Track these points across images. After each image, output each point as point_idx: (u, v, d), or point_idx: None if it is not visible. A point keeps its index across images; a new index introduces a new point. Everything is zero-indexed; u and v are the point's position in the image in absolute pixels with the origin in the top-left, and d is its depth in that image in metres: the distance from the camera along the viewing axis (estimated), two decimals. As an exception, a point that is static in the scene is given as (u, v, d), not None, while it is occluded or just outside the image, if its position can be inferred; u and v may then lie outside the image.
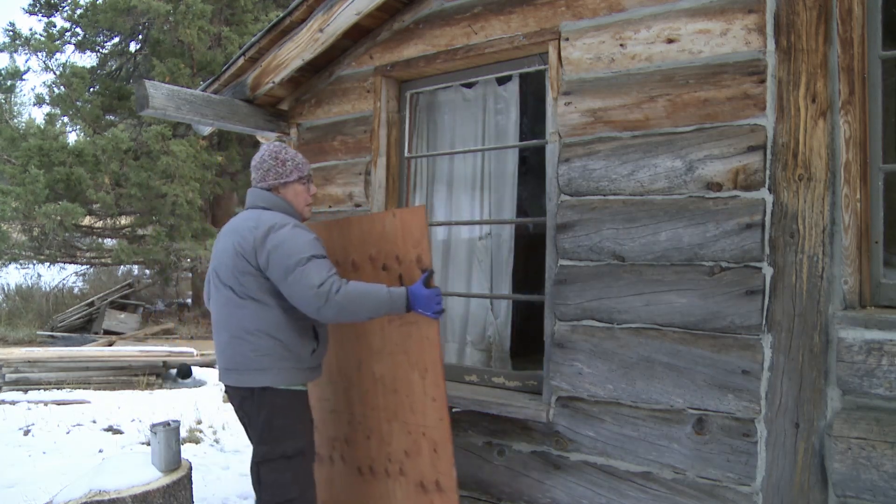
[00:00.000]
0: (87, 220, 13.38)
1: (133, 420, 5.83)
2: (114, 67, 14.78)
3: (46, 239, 12.11)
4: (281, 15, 3.32)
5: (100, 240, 14.15)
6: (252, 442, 2.49)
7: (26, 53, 13.22)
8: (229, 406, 6.40)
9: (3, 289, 15.00)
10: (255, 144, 13.28)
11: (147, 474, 2.83)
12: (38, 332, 11.66)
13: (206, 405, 6.35)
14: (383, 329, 2.66)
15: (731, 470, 2.31)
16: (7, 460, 4.51)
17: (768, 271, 2.24)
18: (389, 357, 2.66)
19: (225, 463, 4.66)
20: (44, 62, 13.39)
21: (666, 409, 2.45)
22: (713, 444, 2.35)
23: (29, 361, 7.29)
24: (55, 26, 13.59)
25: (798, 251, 2.18)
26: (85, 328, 12.45)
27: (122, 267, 15.64)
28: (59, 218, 11.06)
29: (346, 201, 3.49)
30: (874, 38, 2.11)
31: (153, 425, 2.95)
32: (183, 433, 5.00)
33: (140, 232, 13.52)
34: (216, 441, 5.27)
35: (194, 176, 12.03)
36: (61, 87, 12.80)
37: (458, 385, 3.05)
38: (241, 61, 3.54)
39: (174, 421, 3.02)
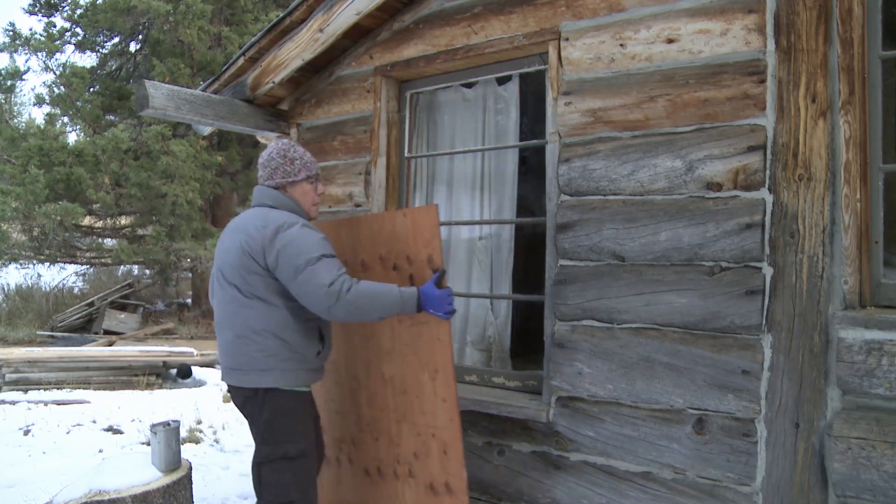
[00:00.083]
0: (87, 220, 13.37)
1: (133, 420, 5.83)
2: (114, 67, 14.78)
3: (46, 239, 12.11)
4: (281, 15, 3.32)
5: (100, 240, 14.15)
6: (255, 441, 2.48)
7: (26, 53, 13.21)
8: (229, 406, 6.42)
9: (3, 289, 15.00)
10: (255, 144, 13.30)
11: (147, 474, 2.83)
12: (38, 332, 11.66)
13: (206, 405, 6.35)
14: (393, 329, 2.64)
15: (731, 470, 2.31)
16: (7, 460, 4.51)
17: (768, 271, 2.24)
18: (399, 358, 2.64)
19: (225, 463, 4.66)
20: (44, 62, 13.40)
21: (666, 409, 2.45)
22: (713, 444, 2.35)
23: (29, 361, 7.29)
24: (55, 26, 13.59)
25: (798, 251, 2.18)
26: (85, 328, 12.45)
27: (122, 267, 15.64)
28: (59, 218, 11.06)
29: (346, 201, 3.49)
30: (874, 38, 2.11)
31: (153, 425, 2.94)
32: (183, 433, 5.00)
33: (140, 232, 13.52)
34: (216, 441, 5.27)
35: (194, 176, 12.02)
36: (61, 87, 12.80)
37: (458, 385, 3.03)
38: (241, 61, 3.54)
39: (174, 421, 3.02)
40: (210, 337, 11.40)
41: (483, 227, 3.43)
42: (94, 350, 8.55)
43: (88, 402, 6.45)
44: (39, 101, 13.36)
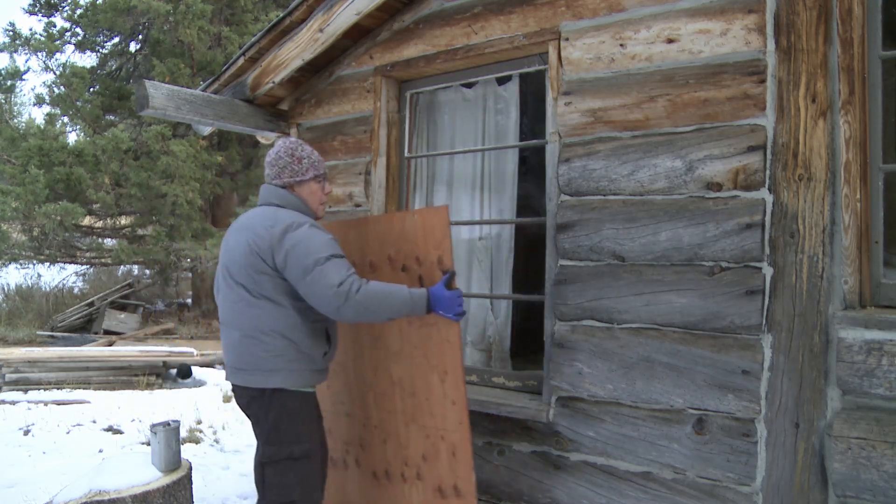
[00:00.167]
0: (87, 220, 13.37)
1: (133, 420, 5.83)
2: (114, 67, 14.78)
3: (46, 239, 12.10)
4: (281, 15, 3.32)
5: (100, 240, 14.14)
6: (258, 441, 2.46)
7: (26, 53, 13.21)
8: (229, 406, 6.42)
9: (3, 289, 14.99)
10: (256, 144, 13.30)
11: (147, 474, 2.83)
12: (38, 332, 11.66)
13: (206, 405, 6.35)
14: (402, 331, 2.62)
15: (731, 470, 2.31)
16: (7, 460, 4.51)
17: (768, 271, 2.24)
18: (408, 359, 2.62)
19: (225, 463, 4.65)
20: (44, 62, 13.39)
21: (666, 409, 2.45)
22: (713, 444, 2.35)
23: (29, 361, 7.28)
24: (55, 26, 13.59)
25: (798, 251, 2.18)
26: (85, 328, 12.44)
27: (122, 267, 15.63)
28: (59, 218, 11.05)
29: (346, 201, 3.49)
30: (874, 38, 2.11)
31: (153, 425, 2.94)
32: (183, 433, 5.00)
33: (140, 232, 13.51)
34: (216, 441, 5.27)
35: (194, 176, 12.02)
36: (61, 87, 12.80)
37: (458, 385, 3.05)
38: (241, 61, 3.54)
39: (174, 421, 3.01)
40: (210, 337, 11.41)
41: (483, 227, 3.43)
42: (94, 350, 8.55)
43: (88, 402, 6.45)
44: (39, 101, 13.36)
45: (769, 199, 2.25)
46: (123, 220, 14.25)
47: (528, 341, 3.59)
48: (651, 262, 2.49)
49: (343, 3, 3.10)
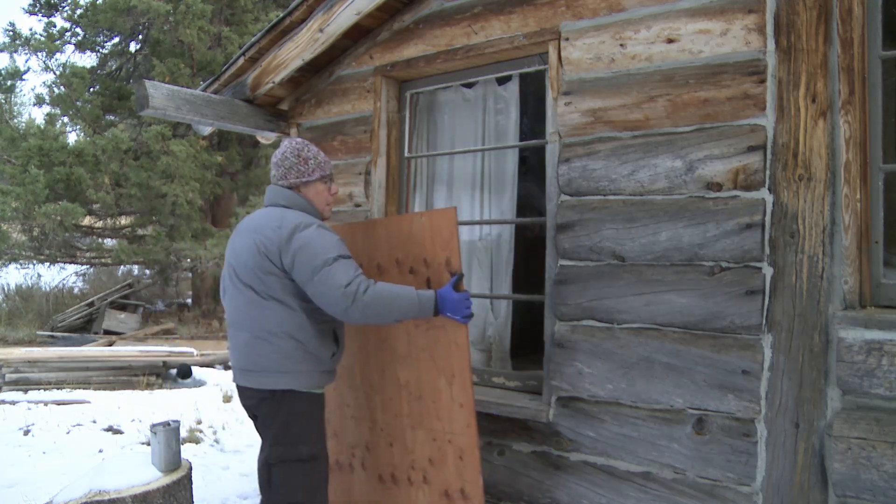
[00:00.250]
0: (87, 220, 13.36)
1: (133, 420, 5.83)
2: (114, 67, 14.77)
3: (46, 239, 12.10)
4: (281, 15, 3.32)
5: (100, 240, 14.14)
6: (265, 442, 2.45)
7: (26, 53, 13.21)
8: (229, 406, 6.42)
9: (3, 289, 14.99)
10: (255, 144, 13.30)
11: (147, 474, 2.82)
12: (38, 332, 11.65)
13: (206, 405, 6.35)
14: (409, 334, 2.61)
15: (731, 470, 2.31)
16: (7, 460, 4.51)
17: (768, 271, 2.24)
18: (415, 362, 2.61)
19: (225, 463, 4.65)
20: (44, 62, 13.39)
21: (666, 409, 2.45)
22: (713, 444, 2.35)
23: (29, 361, 7.28)
24: (55, 26, 13.58)
25: (798, 251, 2.18)
26: (85, 328, 12.44)
27: (122, 267, 15.62)
28: (59, 218, 11.05)
29: (346, 201, 3.49)
30: (874, 38, 2.11)
31: (153, 425, 2.94)
32: (183, 433, 5.00)
33: (140, 232, 13.51)
34: (216, 441, 5.27)
35: (194, 176, 12.02)
36: (61, 87, 12.80)
37: (458, 385, 3.04)
38: (241, 61, 3.54)
39: (174, 421, 3.01)
40: (210, 337, 11.41)
41: (483, 227, 3.43)
42: (94, 350, 8.54)
43: (88, 402, 6.45)
44: (39, 101, 13.36)
45: (769, 199, 2.25)
46: (123, 220, 14.25)
47: (528, 341, 3.59)
48: (651, 262, 2.49)
49: (343, 3, 3.10)
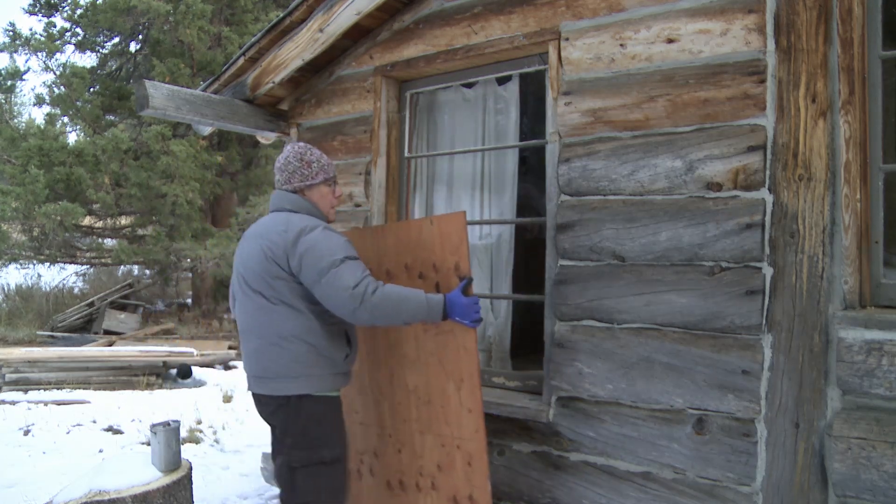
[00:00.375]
0: (87, 220, 13.35)
1: (133, 420, 5.83)
2: (114, 67, 14.76)
3: (46, 239, 12.09)
4: (281, 15, 3.32)
5: (100, 240, 14.13)
6: (283, 447, 2.42)
7: (26, 53, 13.19)
8: (229, 406, 6.42)
9: (3, 289, 14.98)
10: (255, 144, 13.30)
11: (147, 474, 2.82)
12: (38, 332, 11.64)
13: (206, 405, 6.35)
14: (418, 339, 2.61)
15: (731, 470, 2.31)
16: (7, 460, 4.52)
17: (768, 271, 2.24)
18: (424, 367, 2.60)
19: (225, 463, 4.66)
20: (44, 62, 13.38)
21: (666, 409, 2.45)
22: (713, 444, 2.35)
23: (29, 361, 7.28)
24: (55, 26, 13.57)
25: (798, 251, 2.18)
26: (85, 328, 12.42)
27: (122, 267, 15.61)
28: (59, 218, 11.04)
29: (346, 201, 3.49)
30: (874, 38, 2.11)
31: (153, 425, 2.94)
32: (183, 433, 5.00)
33: (140, 232, 13.50)
34: (216, 441, 5.27)
35: (194, 176, 12.01)
36: (61, 87, 12.79)
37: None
38: (241, 61, 3.54)
39: (174, 421, 3.01)
40: (210, 337, 11.40)
41: (483, 227, 3.43)
42: (94, 350, 8.54)
43: (88, 402, 6.45)
44: (39, 101, 13.35)
45: (769, 199, 2.25)
46: (123, 220, 14.24)
47: (528, 341, 3.59)
48: (651, 262, 2.49)
49: (343, 3, 3.10)
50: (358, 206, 3.45)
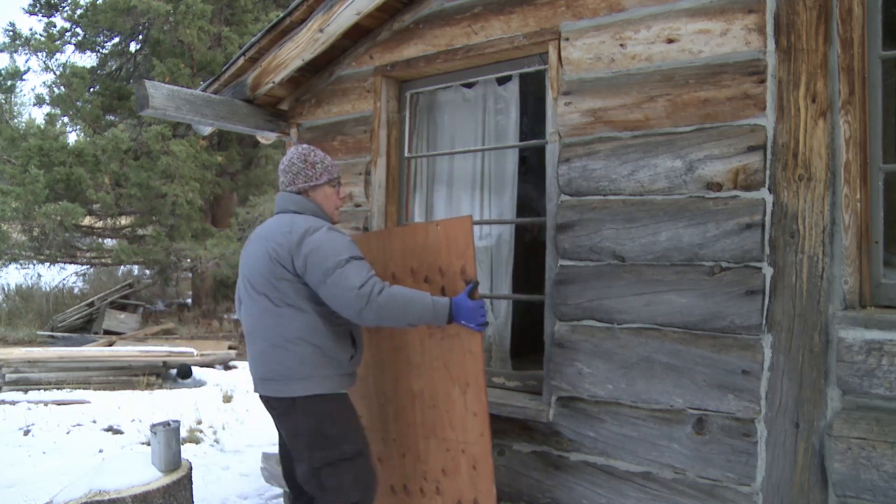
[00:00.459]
0: (87, 220, 13.36)
1: (133, 420, 5.84)
2: (114, 67, 14.76)
3: (46, 239, 12.09)
4: (281, 15, 3.32)
5: (100, 240, 14.13)
6: (301, 451, 2.40)
7: (26, 53, 13.20)
8: (229, 406, 6.42)
9: (3, 289, 14.98)
10: (255, 144, 13.30)
11: (147, 474, 2.83)
12: (38, 332, 11.65)
13: (206, 405, 6.35)
14: (423, 342, 2.60)
15: (731, 470, 2.31)
16: (7, 460, 4.52)
17: (768, 271, 2.24)
18: (429, 371, 2.60)
19: (225, 463, 4.66)
20: (44, 62, 13.38)
21: (666, 409, 2.45)
22: (713, 444, 2.35)
23: (29, 361, 7.28)
24: (55, 26, 13.58)
25: (798, 251, 2.18)
26: (85, 328, 12.42)
27: (122, 267, 15.61)
28: (59, 218, 11.04)
29: (347, 201, 3.49)
30: (874, 38, 2.11)
31: (153, 425, 2.94)
32: (183, 433, 5.00)
33: (140, 232, 13.50)
34: (216, 441, 5.27)
35: (194, 176, 12.01)
36: (61, 87, 12.79)
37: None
38: (241, 61, 3.54)
39: (174, 421, 3.01)
40: (210, 337, 11.40)
41: (483, 227, 3.43)
42: (94, 350, 8.54)
43: (88, 402, 6.45)
44: (39, 101, 13.35)
45: (769, 199, 2.25)
46: (123, 220, 14.24)
47: (528, 341, 3.59)
48: (651, 262, 2.49)
49: (343, 3, 3.10)
50: (358, 206, 3.45)
